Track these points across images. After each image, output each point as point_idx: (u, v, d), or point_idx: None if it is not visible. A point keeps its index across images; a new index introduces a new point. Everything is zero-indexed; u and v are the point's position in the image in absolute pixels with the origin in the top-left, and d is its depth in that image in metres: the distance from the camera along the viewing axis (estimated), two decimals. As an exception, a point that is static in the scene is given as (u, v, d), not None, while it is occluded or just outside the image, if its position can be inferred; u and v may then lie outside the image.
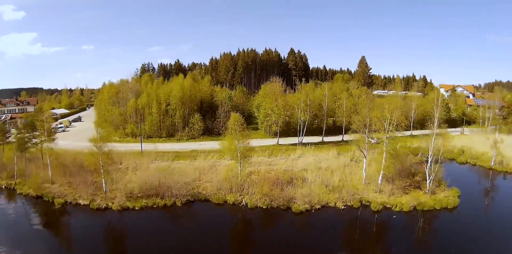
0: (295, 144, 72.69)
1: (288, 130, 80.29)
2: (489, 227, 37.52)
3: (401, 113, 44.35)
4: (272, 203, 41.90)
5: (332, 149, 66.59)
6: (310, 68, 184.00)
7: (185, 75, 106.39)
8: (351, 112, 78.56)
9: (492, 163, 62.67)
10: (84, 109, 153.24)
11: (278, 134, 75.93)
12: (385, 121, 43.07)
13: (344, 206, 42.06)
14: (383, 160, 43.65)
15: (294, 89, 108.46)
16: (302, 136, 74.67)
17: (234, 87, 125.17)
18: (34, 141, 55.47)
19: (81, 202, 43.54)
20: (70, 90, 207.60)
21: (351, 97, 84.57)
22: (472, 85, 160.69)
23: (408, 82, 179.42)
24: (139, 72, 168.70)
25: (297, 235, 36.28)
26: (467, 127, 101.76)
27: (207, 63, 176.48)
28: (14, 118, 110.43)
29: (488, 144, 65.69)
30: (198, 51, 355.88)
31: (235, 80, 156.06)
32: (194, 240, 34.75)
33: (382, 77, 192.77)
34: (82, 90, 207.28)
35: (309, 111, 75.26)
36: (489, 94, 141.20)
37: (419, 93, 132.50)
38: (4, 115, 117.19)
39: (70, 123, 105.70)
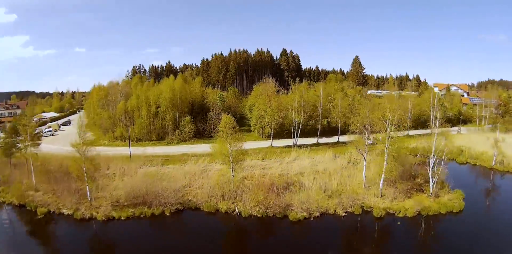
0: (289, 146, 70.24)
1: (282, 131, 77.90)
2: (498, 231, 35.44)
3: (404, 113, 41.72)
4: (267, 211, 39.00)
5: (328, 151, 64.13)
6: (303, 69, 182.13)
7: (176, 77, 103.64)
8: (346, 112, 76.74)
9: (493, 163, 61.06)
10: (74, 112, 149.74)
11: (271, 136, 73.46)
12: (386, 122, 40.55)
13: (345, 212, 39.37)
14: (385, 163, 41.05)
15: (288, 89, 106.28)
16: (296, 137, 72.21)
17: (226, 89, 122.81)
18: (18, 146, 52.40)
19: (65, 211, 40.70)
20: (61, 93, 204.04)
21: (346, 97, 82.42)
22: (466, 84, 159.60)
23: (402, 82, 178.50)
24: (130, 74, 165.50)
25: (295, 246, 33.41)
26: (463, 125, 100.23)
27: (199, 65, 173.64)
28: (3, 122, 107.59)
29: (487, 143, 64.30)
30: (191, 53, 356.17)
31: (227, 81, 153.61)
32: (184, 252, 32.43)
33: (375, 77, 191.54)
34: (73, 93, 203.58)
35: (304, 112, 72.80)
36: (483, 92, 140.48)
37: (413, 92, 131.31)
38: None
39: (59, 127, 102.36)
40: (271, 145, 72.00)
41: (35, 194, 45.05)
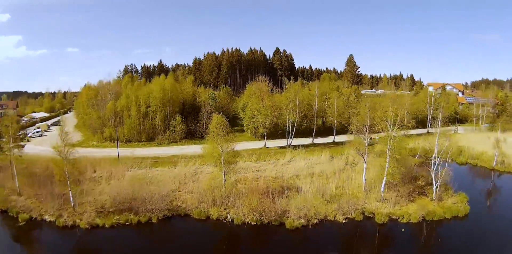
0: (283, 147, 68.01)
1: (276, 131, 75.56)
2: (508, 237, 33.48)
3: (409, 112, 39.32)
4: (262, 218, 36.11)
5: (324, 152, 61.84)
6: (296, 68, 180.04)
7: (167, 76, 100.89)
8: (342, 112, 74.77)
9: (494, 163, 59.49)
10: (65, 112, 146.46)
11: (265, 136, 70.95)
12: (388, 122, 38.09)
13: (345, 219, 36.80)
14: (386, 165, 38.55)
15: (281, 88, 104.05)
16: (291, 138, 69.76)
17: (218, 88, 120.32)
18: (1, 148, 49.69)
19: (47, 218, 37.95)
20: (53, 93, 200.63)
21: (341, 97, 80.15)
22: (461, 83, 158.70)
23: (396, 81, 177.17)
24: (122, 74, 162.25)
25: (292, 257, 30.82)
26: (460, 125, 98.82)
27: (191, 64, 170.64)
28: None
29: (486, 143, 63.06)
30: (183, 53, 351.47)
31: (219, 80, 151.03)
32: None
33: (369, 76, 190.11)
34: (65, 93, 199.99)
35: (298, 111, 70.36)
36: (478, 92, 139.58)
37: (408, 92, 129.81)
38: None
39: (49, 128, 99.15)
40: (265, 145, 69.64)
41: (18, 199, 42.18)
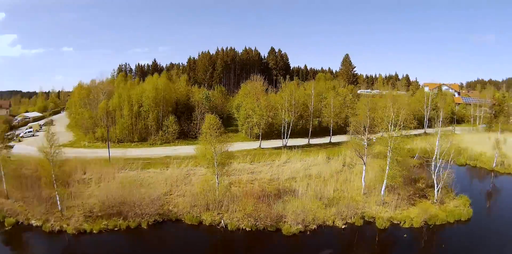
0: (279, 148, 66.34)
1: (271, 132, 74.00)
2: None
3: (411, 112, 37.77)
4: (257, 223, 34.20)
5: (320, 153, 60.31)
6: (291, 68, 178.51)
7: (160, 75, 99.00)
8: (338, 112, 73.33)
9: (494, 164, 58.46)
10: (58, 112, 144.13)
11: (260, 137, 69.14)
12: (389, 122, 36.49)
13: (345, 224, 35.05)
14: (387, 168, 36.91)
15: (277, 87, 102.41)
16: (286, 138, 68.08)
17: (212, 88, 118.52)
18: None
19: (34, 222, 36.05)
20: (47, 93, 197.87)
21: (338, 96, 78.71)
22: (457, 83, 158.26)
23: (391, 81, 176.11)
24: (116, 73, 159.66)
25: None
26: (457, 125, 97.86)
27: (186, 64, 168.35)
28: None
29: (484, 144, 62.33)
30: (178, 53, 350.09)
31: (213, 80, 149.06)
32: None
33: (364, 76, 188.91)
34: (59, 92, 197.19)
35: (294, 111, 68.70)
36: (474, 92, 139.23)
37: (404, 92, 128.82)
38: None
39: (41, 127, 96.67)
40: (260, 146, 67.89)
41: (5, 202, 40.06)
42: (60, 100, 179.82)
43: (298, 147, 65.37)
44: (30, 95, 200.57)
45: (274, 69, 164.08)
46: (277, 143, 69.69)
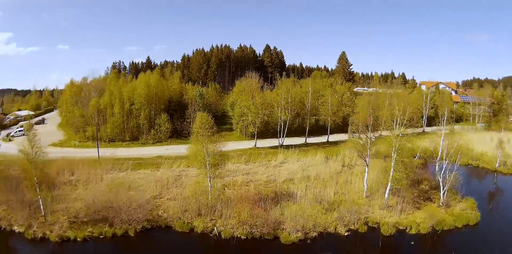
0: (275, 147, 63.99)
1: (267, 130, 71.52)
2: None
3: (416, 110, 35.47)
4: (253, 231, 31.50)
5: (318, 152, 57.95)
6: (287, 65, 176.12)
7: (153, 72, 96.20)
8: (336, 110, 71.38)
9: (497, 165, 56.58)
10: (51, 110, 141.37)
11: (255, 136, 66.63)
12: (394, 121, 34.12)
13: (347, 231, 32.58)
14: (392, 170, 34.56)
15: (272, 84, 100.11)
16: (283, 137, 65.69)
17: (207, 85, 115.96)
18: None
19: (16, 228, 33.70)
20: (41, 91, 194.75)
21: (335, 94, 76.47)
22: (454, 82, 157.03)
23: (387, 79, 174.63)
24: (109, 71, 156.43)
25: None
26: (455, 124, 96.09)
27: (180, 61, 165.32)
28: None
29: (485, 143, 61.23)
30: (173, 51, 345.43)
31: (208, 78, 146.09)
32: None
33: (360, 74, 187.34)
34: (53, 91, 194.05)
35: (291, 109, 66.29)
36: (471, 91, 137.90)
37: (400, 90, 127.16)
38: None
39: (32, 126, 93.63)
40: (255, 145, 65.51)
41: (-10, 206, 37.34)
42: (54, 98, 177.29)
43: (295, 146, 63.03)
44: (25, 93, 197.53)
45: (269, 67, 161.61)
46: (273, 142, 67.43)
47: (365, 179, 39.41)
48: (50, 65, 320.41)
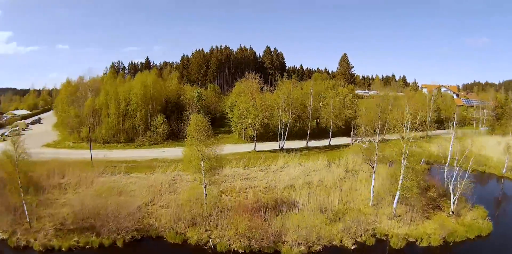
0: (275, 151, 61.74)
1: (267, 133, 69.48)
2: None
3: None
4: (251, 244, 29.03)
5: (320, 157, 55.67)
6: (287, 67, 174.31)
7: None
8: (338, 113, 69.53)
9: (504, 170, 54.75)
10: (48, 110, 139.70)
11: (255, 138, 64.37)
12: (403, 124, 31.86)
13: (354, 243, 30.21)
14: (401, 177, 32.25)
15: (273, 85, 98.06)
16: (283, 140, 63.44)
17: (206, 87, 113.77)
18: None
19: (0, 235, 31.70)
20: (39, 90, 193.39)
21: (337, 96, 74.37)
22: (455, 85, 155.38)
23: (388, 82, 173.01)
24: (108, 71, 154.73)
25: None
26: (458, 128, 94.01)
27: (179, 62, 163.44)
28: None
29: (490, 147, 59.75)
30: (173, 52, 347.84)
31: (207, 79, 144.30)
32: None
33: (361, 77, 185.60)
34: (51, 90, 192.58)
35: (291, 111, 64.11)
36: (473, 94, 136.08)
37: (401, 93, 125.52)
38: None
39: (27, 126, 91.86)
40: (255, 149, 63.17)
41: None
42: (52, 98, 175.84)
43: (295, 149, 61.12)
44: (24, 93, 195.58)
45: (269, 68, 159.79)
46: (273, 145, 65.31)
47: (372, 187, 37.08)
48: (50, 64, 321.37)
